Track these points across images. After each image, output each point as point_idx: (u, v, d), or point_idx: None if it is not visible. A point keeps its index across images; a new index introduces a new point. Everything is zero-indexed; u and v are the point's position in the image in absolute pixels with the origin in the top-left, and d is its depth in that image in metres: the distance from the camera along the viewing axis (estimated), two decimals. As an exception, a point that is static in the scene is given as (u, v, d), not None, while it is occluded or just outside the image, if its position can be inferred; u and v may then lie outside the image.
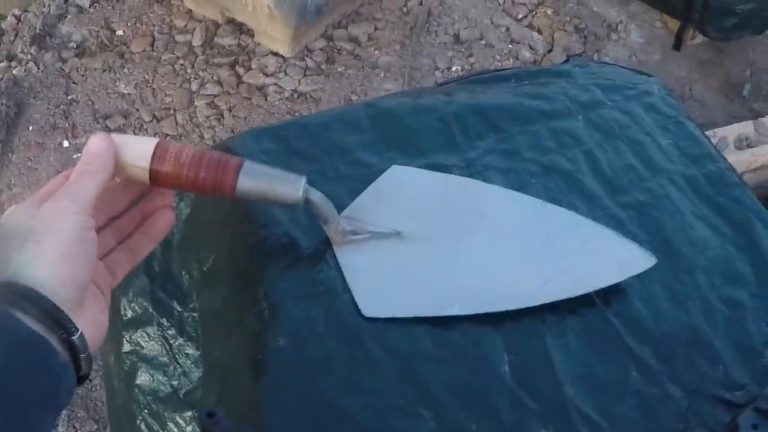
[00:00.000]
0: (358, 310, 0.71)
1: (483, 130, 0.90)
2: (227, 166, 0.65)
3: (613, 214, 0.85)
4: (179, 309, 0.82)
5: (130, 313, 0.84)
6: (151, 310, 0.83)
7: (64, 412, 1.62)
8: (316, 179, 0.82)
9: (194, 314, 0.81)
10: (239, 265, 0.78)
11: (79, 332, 0.54)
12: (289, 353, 0.69)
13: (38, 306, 0.52)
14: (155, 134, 2.09)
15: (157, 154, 0.63)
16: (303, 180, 0.67)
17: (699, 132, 0.98)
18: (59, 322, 0.53)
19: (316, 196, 0.69)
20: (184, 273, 0.83)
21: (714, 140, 1.98)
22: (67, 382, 0.53)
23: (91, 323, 0.57)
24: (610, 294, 0.77)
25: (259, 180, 0.66)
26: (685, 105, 2.37)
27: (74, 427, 1.64)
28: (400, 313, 0.72)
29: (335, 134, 0.88)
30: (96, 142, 0.62)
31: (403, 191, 0.81)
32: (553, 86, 0.99)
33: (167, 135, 2.10)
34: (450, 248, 0.77)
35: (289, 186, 0.67)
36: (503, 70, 1.03)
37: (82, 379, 0.56)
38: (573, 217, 0.81)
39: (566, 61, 1.09)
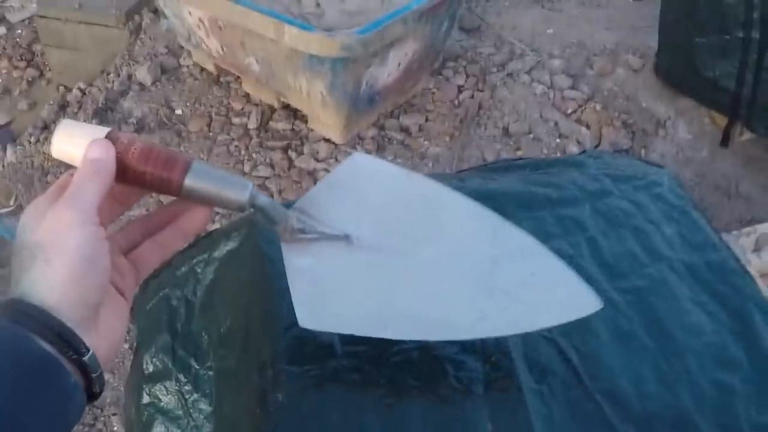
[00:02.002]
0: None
1: (490, 214, 0.95)
2: (175, 163, 0.62)
3: (610, 298, 0.89)
4: (197, 366, 0.88)
5: (151, 368, 0.91)
6: (170, 366, 0.89)
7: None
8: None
9: (210, 372, 0.87)
10: (251, 328, 0.84)
11: (89, 353, 0.54)
12: (287, 409, 0.74)
13: (48, 327, 0.52)
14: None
15: None
16: (250, 185, 0.65)
17: (704, 221, 1.02)
18: (69, 343, 0.53)
19: (264, 202, 0.67)
20: (203, 333, 0.90)
21: (754, 236, 1.98)
22: (76, 402, 0.53)
23: (104, 337, 0.57)
24: (598, 371, 0.81)
25: (206, 181, 0.63)
26: (730, 202, 2.38)
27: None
28: (335, 329, 0.72)
29: (350, 211, 0.93)
30: (95, 148, 0.60)
31: (361, 186, 0.77)
32: (564, 175, 1.04)
33: (217, 212, 2.19)
34: (395, 263, 0.74)
35: (236, 189, 0.64)
36: (521, 159, 1.08)
37: (94, 396, 0.56)
38: (528, 243, 0.78)
39: (582, 152, 1.14)
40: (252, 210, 0.67)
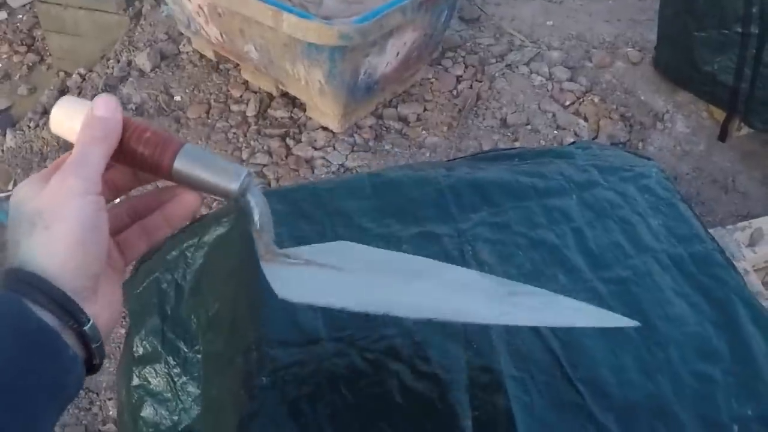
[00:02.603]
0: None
1: (477, 202, 0.97)
2: (167, 144, 0.60)
3: (593, 287, 0.90)
4: (185, 350, 0.89)
5: (141, 351, 0.92)
6: (160, 349, 0.90)
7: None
8: (315, 239, 0.89)
9: (198, 355, 0.88)
10: (238, 313, 0.86)
11: (90, 322, 0.52)
12: (269, 391, 0.76)
13: (48, 296, 0.50)
14: (203, 199, 2.19)
15: None
16: (244, 172, 0.61)
17: (691, 213, 1.03)
18: (70, 312, 0.51)
19: (255, 195, 0.63)
20: (192, 317, 0.91)
21: (749, 230, 1.99)
22: (75, 375, 0.51)
23: (104, 307, 0.55)
24: (579, 360, 0.82)
25: (197, 164, 0.60)
26: (727, 196, 2.39)
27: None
28: (321, 302, 0.63)
29: (339, 200, 0.95)
30: (102, 104, 0.57)
31: (347, 254, 0.70)
32: (552, 166, 1.05)
33: (216, 200, 2.20)
34: (396, 283, 0.66)
35: (227, 175, 0.61)
36: (510, 149, 1.09)
37: (95, 368, 0.55)
38: (548, 295, 0.69)
39: (572, 143, 1.15)
40: (243, 200, 0.63)
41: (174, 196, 0.64)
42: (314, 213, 0.93)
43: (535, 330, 0.84)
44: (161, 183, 0.65)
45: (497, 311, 0.65)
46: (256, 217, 0.64)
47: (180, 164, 0.60)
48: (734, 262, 1.34)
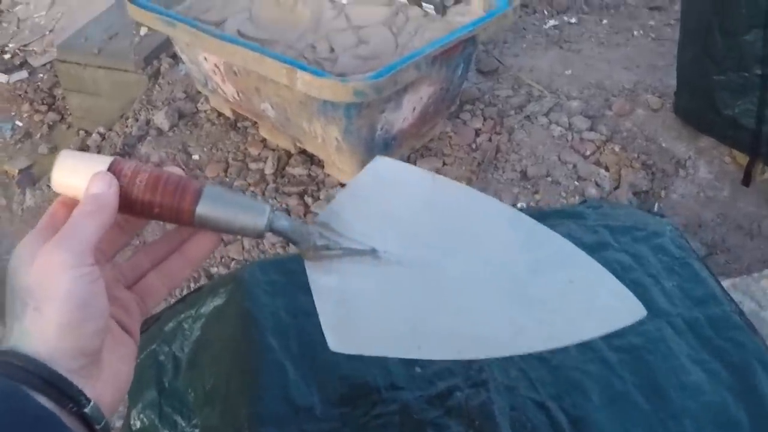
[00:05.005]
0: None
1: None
2: (186, 189, 0.58)
3: (603, 357, 0.86)
4: (183, 424, 0.87)
5: (138, 424, 0.89)
6: (157, 423, 0.88)
7: None
8: (313, 310, 0.87)
9: (196, 430, 0.86)
10: (232, 388, 0.83)
11: (90, 404, 0.50)
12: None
13: (44, 380, 0.48)
14: (221, 258, 2.19)
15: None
16: (267, 209, 0.61)
17: (707, 273, 0.99)
18: (68, 395, 0.49)
19: (284, 226, 0.63)
20: (189, 391, 0.89)
21: (777, 279, 1.95)
22: None
23: (108, 382, 0.54)
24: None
25: (220, 207, 0.59)
26: (753, 242, 2.34)
27: None
28: (367, 352, 0.65)
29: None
30: (96, 182, 0.56)
31: (385, 193, 0.72)
32: (560, 228, 1.01)
33: (233, 259, 2.19)
34: (425, 277, 0.68)
35: (252, 215, 0.60)
36: (519, 211, 1.06)
37: None
38: (565, 248, 0.73)
39: (583, 202, 1.12)
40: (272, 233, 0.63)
41: (192, 235, 0.64)
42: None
43: (542, 405, 0.80)
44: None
45: (514, 328, 0.66)
46: (294, 238, 0.65)
47: (202, 210, 0.59)
48: (761, 311, 1.30)
